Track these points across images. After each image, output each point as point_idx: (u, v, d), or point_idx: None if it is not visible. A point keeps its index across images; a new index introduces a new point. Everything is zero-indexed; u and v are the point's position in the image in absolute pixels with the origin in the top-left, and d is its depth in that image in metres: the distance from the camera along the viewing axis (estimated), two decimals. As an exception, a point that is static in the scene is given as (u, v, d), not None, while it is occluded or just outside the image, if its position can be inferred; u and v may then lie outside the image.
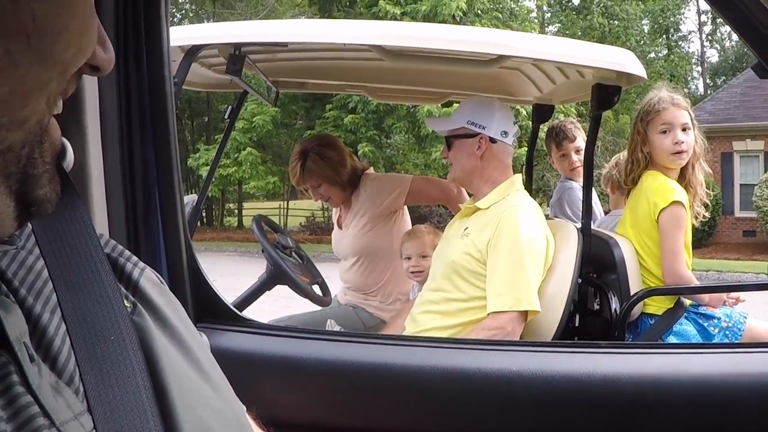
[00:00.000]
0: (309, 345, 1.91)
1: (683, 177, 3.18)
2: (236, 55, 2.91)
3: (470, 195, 3.13)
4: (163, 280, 0.84)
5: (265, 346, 1.87)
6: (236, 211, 36.12)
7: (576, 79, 3.35)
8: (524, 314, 2.58)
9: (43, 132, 0.60)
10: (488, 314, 2.60)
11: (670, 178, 3.13)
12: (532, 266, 2.63)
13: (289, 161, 3.84)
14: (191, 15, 37.52)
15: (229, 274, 12.83)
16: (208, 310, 1.85)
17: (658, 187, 3.08)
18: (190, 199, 3.89)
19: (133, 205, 1.63)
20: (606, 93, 2.95)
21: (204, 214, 35.01)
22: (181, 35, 3.02)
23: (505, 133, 2.90)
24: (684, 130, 3.12)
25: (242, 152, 22.81)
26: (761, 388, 1.71)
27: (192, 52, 2.81)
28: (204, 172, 21.29)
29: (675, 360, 1.88)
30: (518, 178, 2.95)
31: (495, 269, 2.64)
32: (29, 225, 0.70)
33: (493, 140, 2.88)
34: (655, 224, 3.05)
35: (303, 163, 3.66)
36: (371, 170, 3.90)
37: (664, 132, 3.11)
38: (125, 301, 0.73)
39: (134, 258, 0.81)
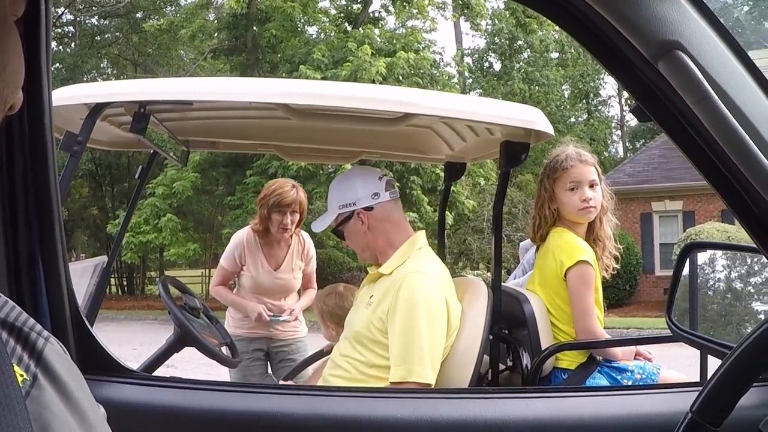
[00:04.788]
0: (193, 395, 1.89)
1: (591, 231, 3.20)
2: (141, 114, 2.84)
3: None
4: (66, 352, 0.80)
5: (150, 396, 1.85)
6: (157, 279, 35.38)
7: (486, 137, 3.35)
8: (421, 385, 2.51)
9: None
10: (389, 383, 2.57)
11: (578, 234, 3.15)
12: (430, 335, 2.57)
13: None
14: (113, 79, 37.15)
15: (148, 343, 12.47)
16: (92, 361, 1.82)
17: (565, 246, 3.09)
18: (100, 260, 3.79)
19: (15, 255, 1.59)
20: (514, 150, 2.96)
21: (125, 282, 34.26)
22: (85, 92, 2.96)
23: (376, 194, 2.86)
24: (591, 186, 3.14)
25: (162, 218, 22.40)
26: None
27: (96, 110, 2.74)
28: (124, 239, 20.80)
29: (589, 402, 1.91)
30: (419, 237, 2.91)
31: (393, 339, 2.60)
32: None
33: (368, 208, 2.86)
34: (563, 282, 3.05)
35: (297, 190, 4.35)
36: None
37: (572, 189, 3.13)
38: (25, 374, 0.70)
39: (38, 327, 0.77)
